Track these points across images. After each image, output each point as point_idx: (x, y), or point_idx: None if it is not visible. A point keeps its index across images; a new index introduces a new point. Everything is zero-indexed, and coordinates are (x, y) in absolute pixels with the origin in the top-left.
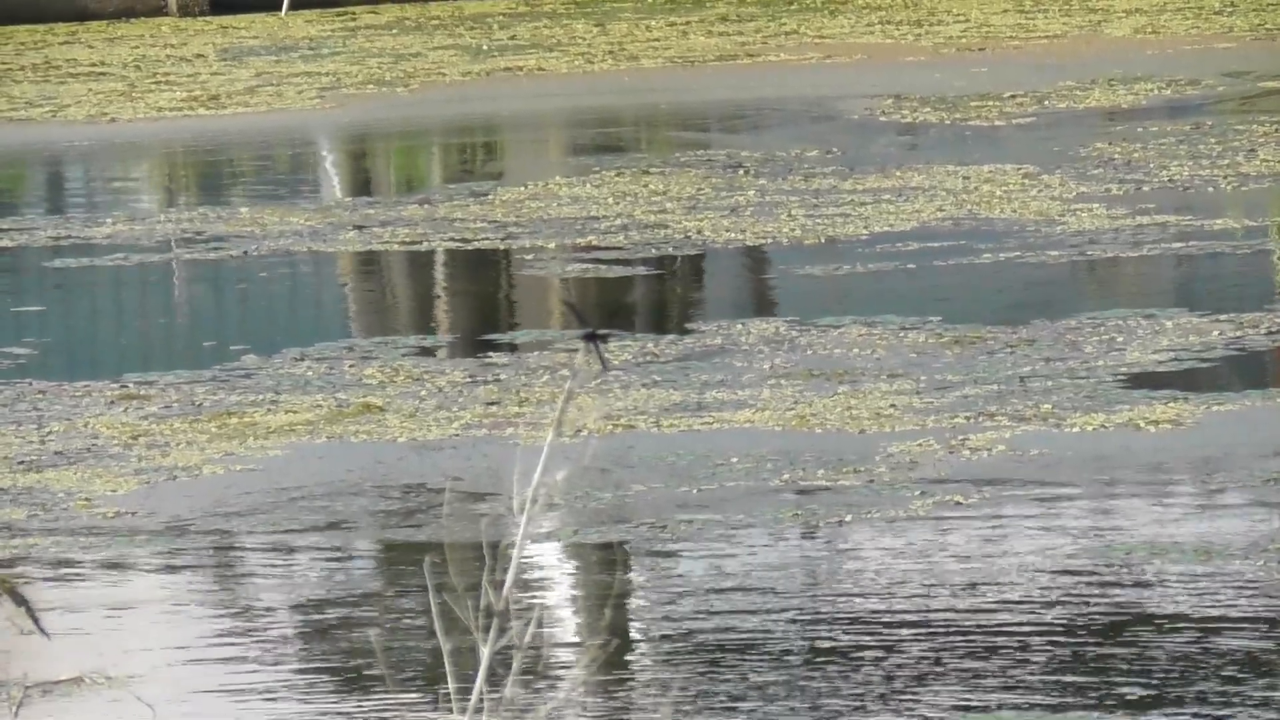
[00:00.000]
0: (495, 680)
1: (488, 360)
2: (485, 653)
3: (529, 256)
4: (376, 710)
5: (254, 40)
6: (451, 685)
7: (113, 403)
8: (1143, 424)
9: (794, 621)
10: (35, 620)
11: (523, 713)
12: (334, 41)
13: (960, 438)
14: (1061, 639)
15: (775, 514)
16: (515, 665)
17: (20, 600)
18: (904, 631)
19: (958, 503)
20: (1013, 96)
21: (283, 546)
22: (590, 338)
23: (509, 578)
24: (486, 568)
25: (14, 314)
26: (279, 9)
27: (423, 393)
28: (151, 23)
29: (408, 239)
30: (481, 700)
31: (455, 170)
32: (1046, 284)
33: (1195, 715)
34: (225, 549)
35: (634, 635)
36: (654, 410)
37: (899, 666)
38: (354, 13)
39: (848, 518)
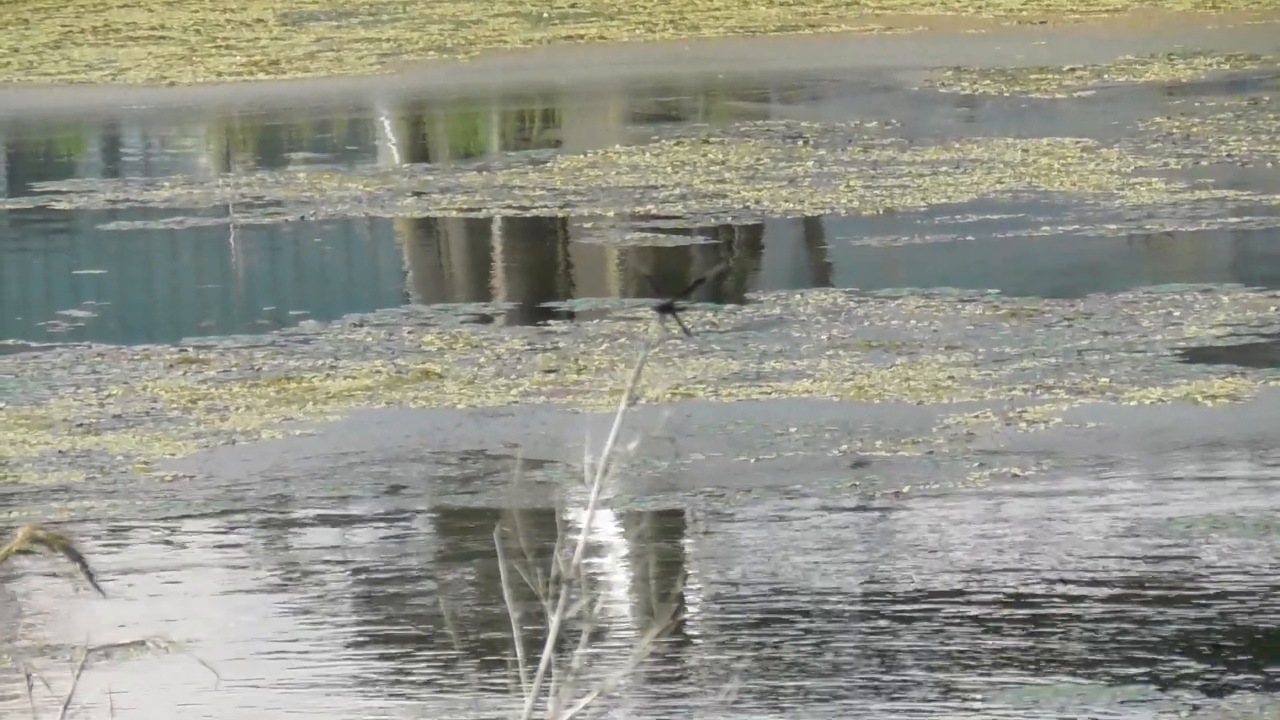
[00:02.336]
0: (561, 648)
1: (546, 328)
2: (554, 621)
3: (588, 224)
4: (434, 677)
5: (314, 5)
6: (519, 652)
7: (172, 366)
8: (1200, 398)
9: (850, 592)
10: (91, 577)
11: (589, 681)
12: (394, 7)
13: (1018, 410)
14: (1119, 613)
15: (833, 484)
16: (584, 634)
17: (76, 557)
18: (960, 603)
19: (1015, 475)
20: (1072, 70)
21: (340, 512)
22: (667, 309)
23: (579, 546)
24: (559, 535)
25: (73, 277)
26: None
27: (481, 359)
28: None
29: (466, 206)
30: (549, 669)
31: (514, 138)
32: (1104, 257)
33: (1255, 690)
34: (283, 514)
35: (692, 605)
36: (713, 379)
37: (955, 638)
38: None
39: (905, 488)
